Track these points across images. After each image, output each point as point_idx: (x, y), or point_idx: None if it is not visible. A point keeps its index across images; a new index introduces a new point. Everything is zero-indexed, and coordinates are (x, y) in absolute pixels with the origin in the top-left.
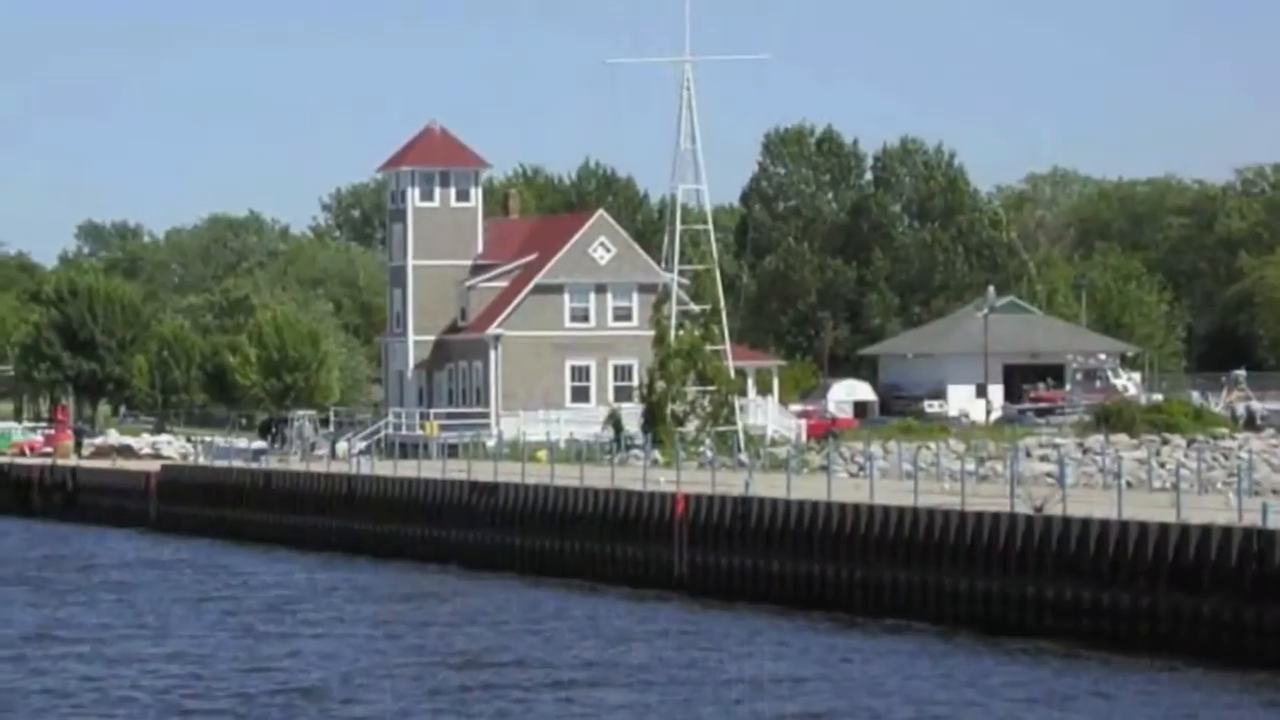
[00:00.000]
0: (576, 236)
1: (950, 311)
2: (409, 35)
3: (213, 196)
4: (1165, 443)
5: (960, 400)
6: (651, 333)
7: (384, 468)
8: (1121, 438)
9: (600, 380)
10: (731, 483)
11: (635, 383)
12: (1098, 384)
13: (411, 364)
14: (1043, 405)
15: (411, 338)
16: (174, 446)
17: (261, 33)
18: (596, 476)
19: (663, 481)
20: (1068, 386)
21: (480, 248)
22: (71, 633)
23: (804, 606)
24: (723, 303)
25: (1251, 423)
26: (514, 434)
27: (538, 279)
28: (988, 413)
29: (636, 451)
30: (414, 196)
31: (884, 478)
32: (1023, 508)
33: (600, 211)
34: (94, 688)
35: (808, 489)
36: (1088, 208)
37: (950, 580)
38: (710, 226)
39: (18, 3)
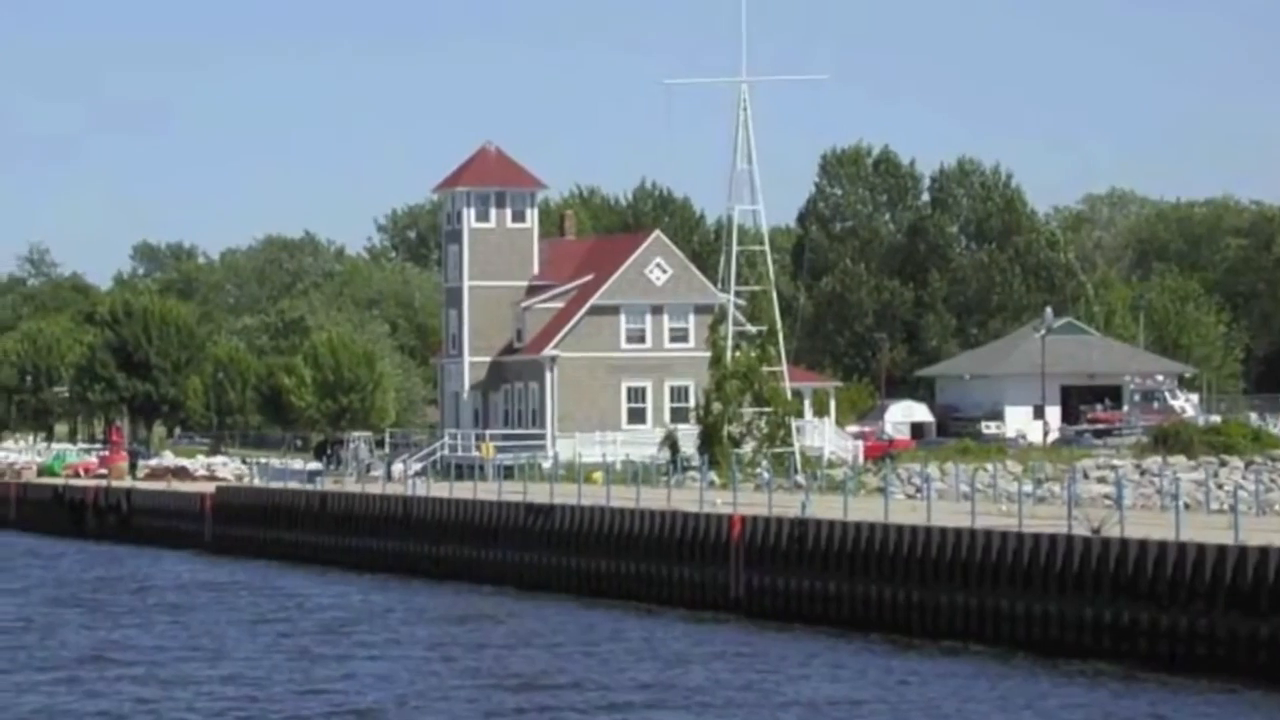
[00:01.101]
0: (632, 257)
1: (1007, 332)
2: (465, 55)
3: (268, 217)
4: (1223, 464)
5: (1017, 421)
6: (708, 354)
7: (439, 489)
8: (1179, 459)
9: (656, 401)
10: (788, 504)
11: (691, 404)
12: (1155, 405)
13: (467, 385)
14: (1100, 426)
15: (467, 359)
16: (229, 468)
17: (316, 53)
18: (652, 498)
19: (719, 503)
20: (1125, 408)
21: (536, 268)
22: (126, 655)
23: (861, 628)
24: (779, 323)
25: None
26: (570, 455)
27: (594, 300)
28: (1045, 434)
29: (693, 473)
30: (470, 217)
31: (941, 499)
32: (1080, 529)
33: (656, 232)
34: (149, 710)
35: (864, 510)
36: (1145, 228)
37: (1007, 602)
38: (767, 247)
39: (74, 23)
